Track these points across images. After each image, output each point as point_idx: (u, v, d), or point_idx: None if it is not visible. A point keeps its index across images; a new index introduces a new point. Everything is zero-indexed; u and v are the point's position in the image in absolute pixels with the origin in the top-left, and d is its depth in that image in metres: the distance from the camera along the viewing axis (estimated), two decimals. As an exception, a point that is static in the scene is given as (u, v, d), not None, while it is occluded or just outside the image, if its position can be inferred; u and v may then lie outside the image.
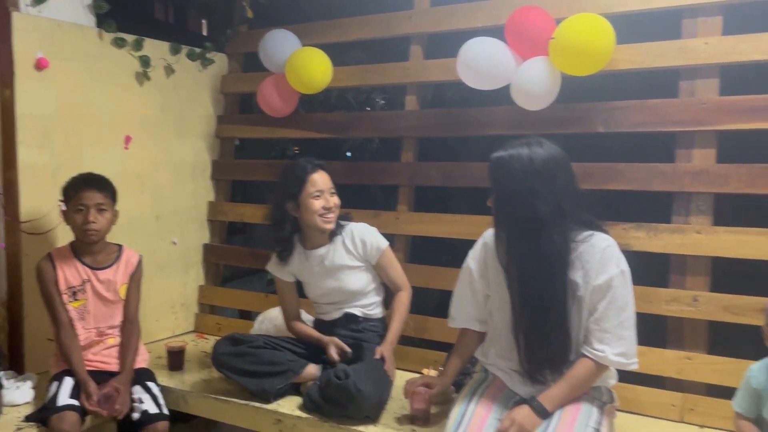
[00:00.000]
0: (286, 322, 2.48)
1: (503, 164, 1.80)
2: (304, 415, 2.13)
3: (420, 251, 2.92)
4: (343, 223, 2.39)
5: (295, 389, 2.28)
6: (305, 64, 2.83)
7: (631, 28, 2.33)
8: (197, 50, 3.18)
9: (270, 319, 2.72)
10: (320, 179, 2.31)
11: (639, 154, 2.40)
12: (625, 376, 2.24)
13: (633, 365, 1.82)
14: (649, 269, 2.36)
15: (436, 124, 2.74)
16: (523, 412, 1.76)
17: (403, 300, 2.39)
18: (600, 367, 1.80)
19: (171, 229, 3.11)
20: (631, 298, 1.80)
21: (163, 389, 2.32)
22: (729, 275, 2.23)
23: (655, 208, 2.37)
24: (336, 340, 2.30)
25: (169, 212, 3.10)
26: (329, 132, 3.00)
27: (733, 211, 2.53)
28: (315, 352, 2.33)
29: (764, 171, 2.11)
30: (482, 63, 2.40)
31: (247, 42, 3.24)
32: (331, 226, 2.32)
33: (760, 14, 2.18)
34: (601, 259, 1.79)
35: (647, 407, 2.19)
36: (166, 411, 2.20)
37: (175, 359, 2.63)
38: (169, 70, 3.06)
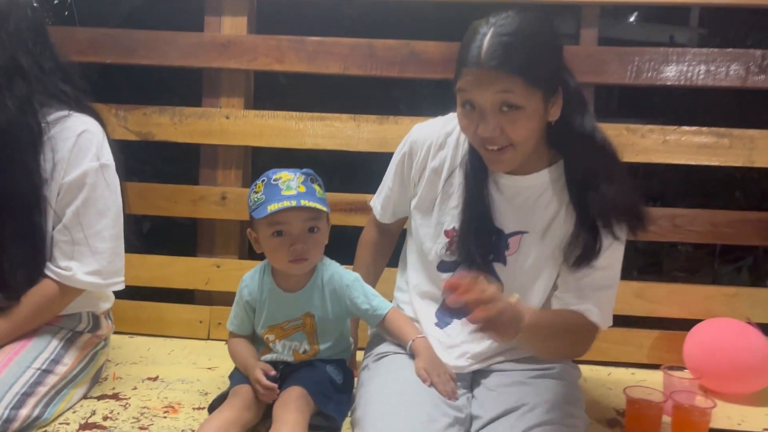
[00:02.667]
0: None
1: None
2: None
3: None
4: None
5: None
6: None
7: None
8: None
9: None
10: None
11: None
12: (153, 295, 1.87)
13: (117, 285, 1.41)
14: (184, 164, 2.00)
15: None
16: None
17: None
18: (66, 291, 1.34)
19: None
20: (114, 201, 1.37)
21: None
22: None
23: (187, 87, 1.96)
24: None
25: None
26: None
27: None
28: None
29: (292, 44, 1.82)
30: None
31: None
32: None
33: None
34: (75, 147, 1.31)
35: (174, 327, 1.83)
36: None
37: None
38: None
